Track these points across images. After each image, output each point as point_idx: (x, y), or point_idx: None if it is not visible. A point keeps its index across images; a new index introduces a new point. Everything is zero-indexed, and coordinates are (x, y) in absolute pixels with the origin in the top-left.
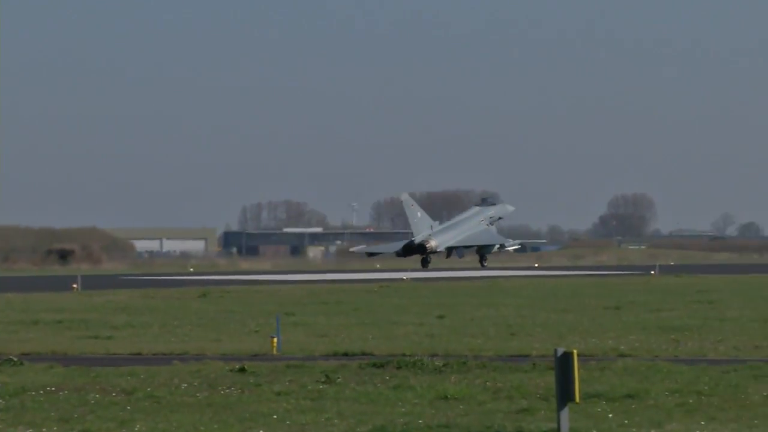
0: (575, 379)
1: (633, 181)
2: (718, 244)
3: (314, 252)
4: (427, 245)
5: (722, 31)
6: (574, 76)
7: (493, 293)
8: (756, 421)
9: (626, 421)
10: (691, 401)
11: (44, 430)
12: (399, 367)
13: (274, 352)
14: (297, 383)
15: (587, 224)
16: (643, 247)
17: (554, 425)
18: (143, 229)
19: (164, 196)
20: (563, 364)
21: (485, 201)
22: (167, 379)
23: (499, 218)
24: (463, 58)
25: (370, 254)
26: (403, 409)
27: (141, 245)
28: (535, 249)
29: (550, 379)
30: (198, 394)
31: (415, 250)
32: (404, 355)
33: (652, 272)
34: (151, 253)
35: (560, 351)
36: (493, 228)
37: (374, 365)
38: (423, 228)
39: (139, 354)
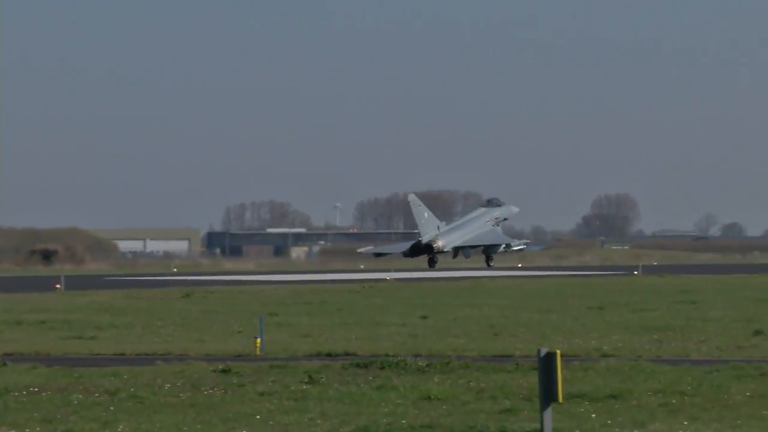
0: (558, 379)
1: (616, 182)
2: (701, 244)
3: (298, 252)
4: (434, 245)
5: (707, 32)
6: (560, 77)
7: (477, 293)
8: (739, 421)
9: (609, 422)
10: (674, 401)
11: (27, 430)
12: (382, 368)
13: (258, 352)
14: (280, 383)
15: (570, 224)
16: (626, 247)
17: (537, 425)
18: (127, 230)
19: (148, 196)
20: (546, 364)
21: (490, 202)
22: (150, 380)
23: (505, 219)
24: (448, 58)
25: (378, 254)
26: (386, 410)
27: (124, 246)
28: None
29: (533, 380)
30: (181, 395)
31: (423, 250)
32: (387, 355)
33: (636, 272)
34: (134, 253)
35: (543, 351)
36: (499, 228)
37: (357, 365)
38: (430, 228)
39: (123, 354)
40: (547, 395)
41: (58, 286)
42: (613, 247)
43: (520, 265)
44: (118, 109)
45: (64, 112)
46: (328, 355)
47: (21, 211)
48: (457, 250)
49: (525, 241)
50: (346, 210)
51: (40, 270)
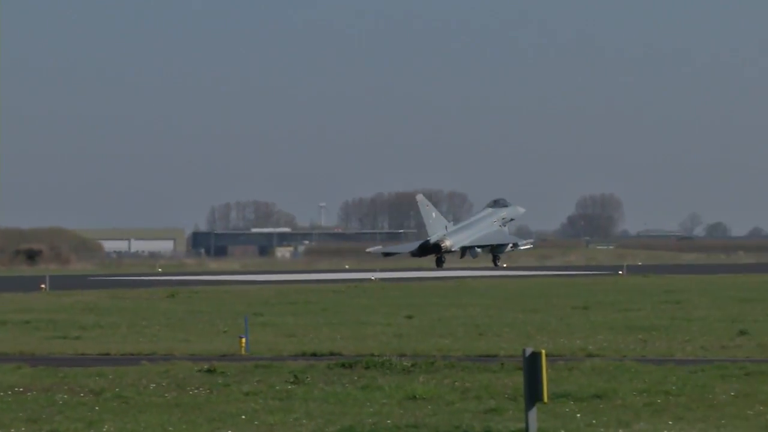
0: (543, 379)
1: (601, 182)
2: (686, 244)
3: (282, 252)
4: (442, 245)
5: (691, 33)
6: (545, 77)
7: (461, 293)
8: (723, 421)
9: (594, 421)
10: (658, 401)
11: (12, 430)
12: (367, 367)
13: (243, 352)
14: (265, 383)
15: (555, 224)
16: (611, 247)
17: (522, 425)
18: (112, 230)
19: (133, 196)
20: (531, 364)
21: (497, 203)
22: (135, 380)
23: (511, 219)
24: (430, 59)
25: (387, 254)
26: (371, 409)
27: (109, 245)
28: None
29: (518, 379)
30: (166, 395)
31: (431, 249)
32: (372, 355)
33: (620, 272)
34: (119, 253)
35: (528, 351)
36: (506, 229)
37: (342, 365)
38: (438, 228)
39: (108, 354)
40: (532, 395)
41: (43, 286)
42: (598, 247)
43: (504, 265)
44: (103, 109)
45: (49, 112)
46: (313, 354)
47: (5, 210)
48: (464, 250)
49: (531, 240)
50: (330, 210)
51: (25, 270)
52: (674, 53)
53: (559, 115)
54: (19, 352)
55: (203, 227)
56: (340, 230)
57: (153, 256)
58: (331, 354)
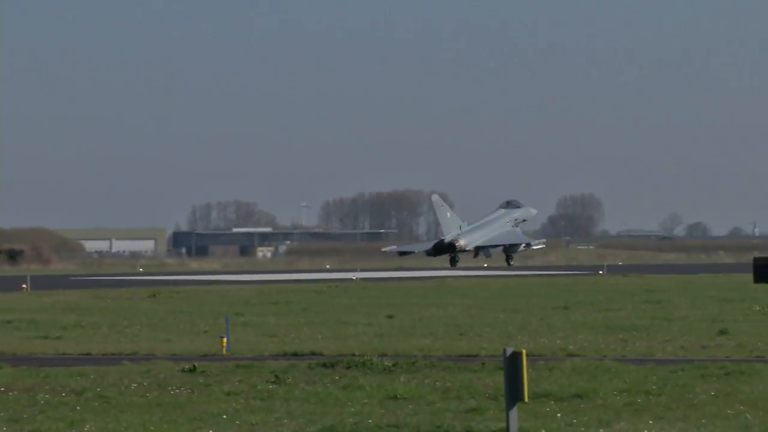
0: (524, 378)
1: (581, 182)
2: (666, 244)
3: (263, 252)
4: (456, 244)
5: (671, 34)
6: (522, 78)
7: (442, 293)
8: (703, 420)
9: (575, 421)
10: (639, 401)
11: None
12: (348, 367)
13: (224, 352)
14: (247, 383)
15: (536, 224)
16: (591, 247)
17: (503, 425)
18: (93, 230)
19: (114, 196)
20: (512, 363)
21: (510, 204)
22: (117, 380)
23: (523, 220)
24: (410, 58)
25: (402, 253)
26: (352, 409)
27: (90, 245)
28: None
29: (499, 379)
30: (148, 394)
31: (445, 249)
32: (354, 355)
33: (601, 272)
34: (100, 253)
35: (509, 351)
36: (518, 229)
37: (324, 365)
38: (452, 228)
39: (89, 354)
40: (513, 394)
41: (24, 285)
42: (579, 247)
43: (485, 265)
44: (84, 110)
45: (29, 112)
46: (295, 354)
47: None
48: (478, 250)
49: (544, 240)
50: (311, 210)
51: (6, 270)
52: (654, 55)
53: (539, 115)
54: (1, 352)
55: (184, 227)
56: (321, 230)
57: (134, 256)
58: (312, 354)
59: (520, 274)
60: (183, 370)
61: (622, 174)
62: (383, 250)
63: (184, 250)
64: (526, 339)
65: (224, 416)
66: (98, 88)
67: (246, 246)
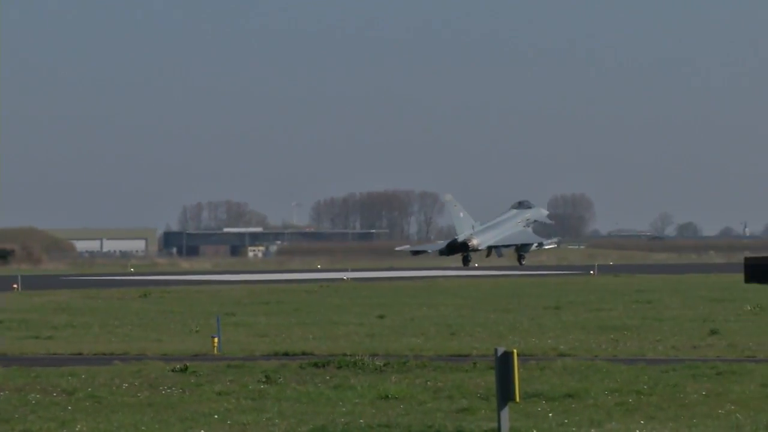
0: (515, 378)
1: (572, 182)
2: (657, 244)
3: (254, 252)
4: (469, 243)
5: (660, 37)
6: (513, 78)
7: (433, 293)
8: (694, 420)
9: (566, 421)
10: (630, 400)
11: None
12: (340, 367)
13: (215, 352)
14: (238, 383)
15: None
16: (582, 247)
17: (495, 425)
18: (83, 230)
19: (104, 196)
20: (503, 363)
21: (522, 204)
22: (108, 379)
23: (535, 221)
24: (401, 58)
25: (415, 253)
26: (343, 409)
27: (81, 245)
28: None
29: (490, 379)
30: (139, 394)
31: (458, 248)
32: (345, 354)
33: (592, 272)
34: (91, 253)
35: (500, 350)
36: (530, 229)
37: (315, 365)
38: (465, 227)
39: (80, 354)
40: (504, 394)
41: (15, 285)
42: (569, 247)
43: (476, 265)
44: (76, 110)
45: (20, 112)
46: (286, 354)
47: None
48: (490, 249)
49: (556, 239)
50: (302, 210)
51: None
52: (646, 56)
53: (530, 115)
54: None
55: (175, 227)
56: (312, 230)
57: (125, 255)
58: (304, 354)
59: (511, 274)
60: (174, 370)
61: (613, 174)
62: (396, 249)
63: (175, 250)
64: (518, 339)
65: (215, 416)
66: (90, 88)
67: (237, 246)
